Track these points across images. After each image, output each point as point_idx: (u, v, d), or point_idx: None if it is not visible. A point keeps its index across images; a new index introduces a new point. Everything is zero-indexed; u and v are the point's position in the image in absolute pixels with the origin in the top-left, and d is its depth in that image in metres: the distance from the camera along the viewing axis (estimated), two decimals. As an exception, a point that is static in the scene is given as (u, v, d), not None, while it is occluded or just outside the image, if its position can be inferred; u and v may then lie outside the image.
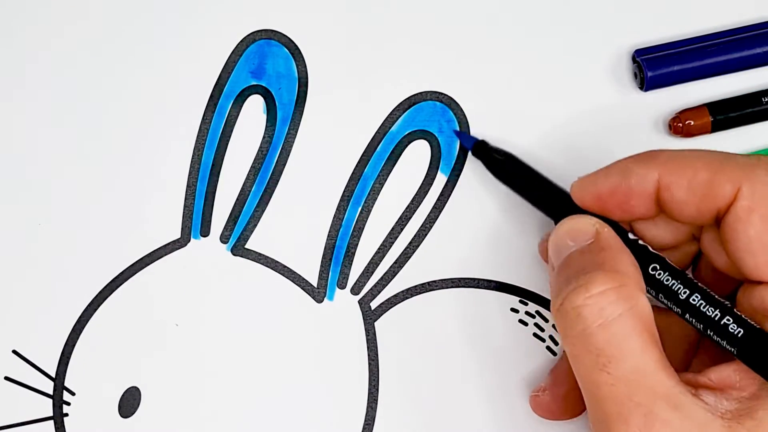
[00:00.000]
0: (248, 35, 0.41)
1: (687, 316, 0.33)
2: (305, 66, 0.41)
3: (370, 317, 0.40)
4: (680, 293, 0.33)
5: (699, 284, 0.33)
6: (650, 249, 0.34)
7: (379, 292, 0.40)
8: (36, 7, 0.41)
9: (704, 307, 0.32)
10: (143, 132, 0.41)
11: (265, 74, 0.41)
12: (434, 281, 0.40)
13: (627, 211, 0.35)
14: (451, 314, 0.40)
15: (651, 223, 0.36)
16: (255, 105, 0.41)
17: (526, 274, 0.40)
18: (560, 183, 0.38)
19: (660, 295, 0.34)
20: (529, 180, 0.38)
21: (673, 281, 0.33)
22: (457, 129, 0.40)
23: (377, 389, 0.40)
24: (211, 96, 0.41)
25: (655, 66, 0.40)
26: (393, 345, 0.40)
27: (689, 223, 0.35)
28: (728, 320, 0.32)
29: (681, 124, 0.40)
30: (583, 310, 0.31)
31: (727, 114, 0.40)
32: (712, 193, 0.33)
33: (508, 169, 0.38)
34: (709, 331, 0.32)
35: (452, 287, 0.40)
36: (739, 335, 0.32)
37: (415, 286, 0.40)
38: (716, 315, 0.32)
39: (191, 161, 0.41)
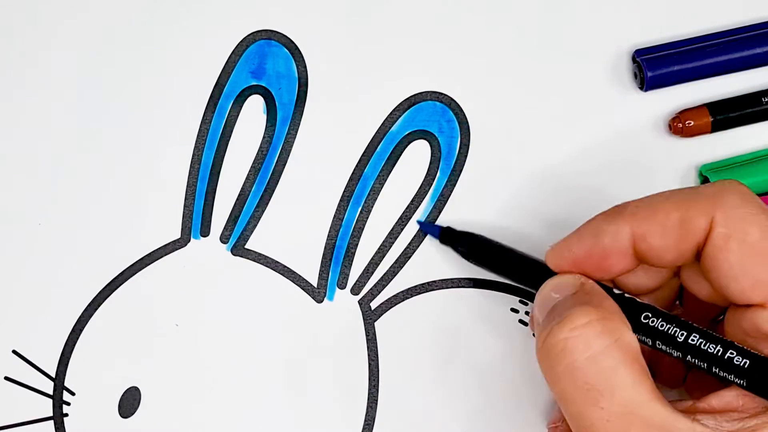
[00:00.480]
0: (248, 35, 0.41)
1: (689, 357, 0.32)
2: (305, 66, 0.41)
3: (370, 317, 0.40)
4: (677, 336, 0.32)
5: (693, 324, 0.33)
6: (638, 300, 0.34)
7: (379, 292, 0.40)
8: (36, 7, 0.41)
9: (705, 345, 0.32)
10: (143, 132, 0.41)
11: (265, 74, 0.41)
12: (434, 281, 0.40)
13: (606, 270, 0.34)
14: (451, 314, 0.40)
15: (631, 274, 0.35)
16: (255, 105, 0.41)
17: (526, 274, 0.40)
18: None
19: (657, 342, 0.33)
20: (502, 258, 0.37)
21: (668, 326, 0.33)
22: (422, 220, 0.40)
23: (377, 389, 0.40)
24: (211, 96, 0.41)
25: (655, 66, 0.40)
26: (393, 345, 0.40)
27: (670, 266, 0.34)
28: (732, 353, 0.31)
29: (681, 124, 0.40)
30: (569, 343, 0.31)
31: (727, 114, 0.40)
32: (688, 231, 0.32)
33: (479, 252, 0.38)
34: (714, 369, 0.32)
35: (452, 287, 0.40)
36: (746, 366, 0.31)
37: (415, 286, 0.40)
38: (719, 351, 0.32)
39: (191, 161, 0.41)
